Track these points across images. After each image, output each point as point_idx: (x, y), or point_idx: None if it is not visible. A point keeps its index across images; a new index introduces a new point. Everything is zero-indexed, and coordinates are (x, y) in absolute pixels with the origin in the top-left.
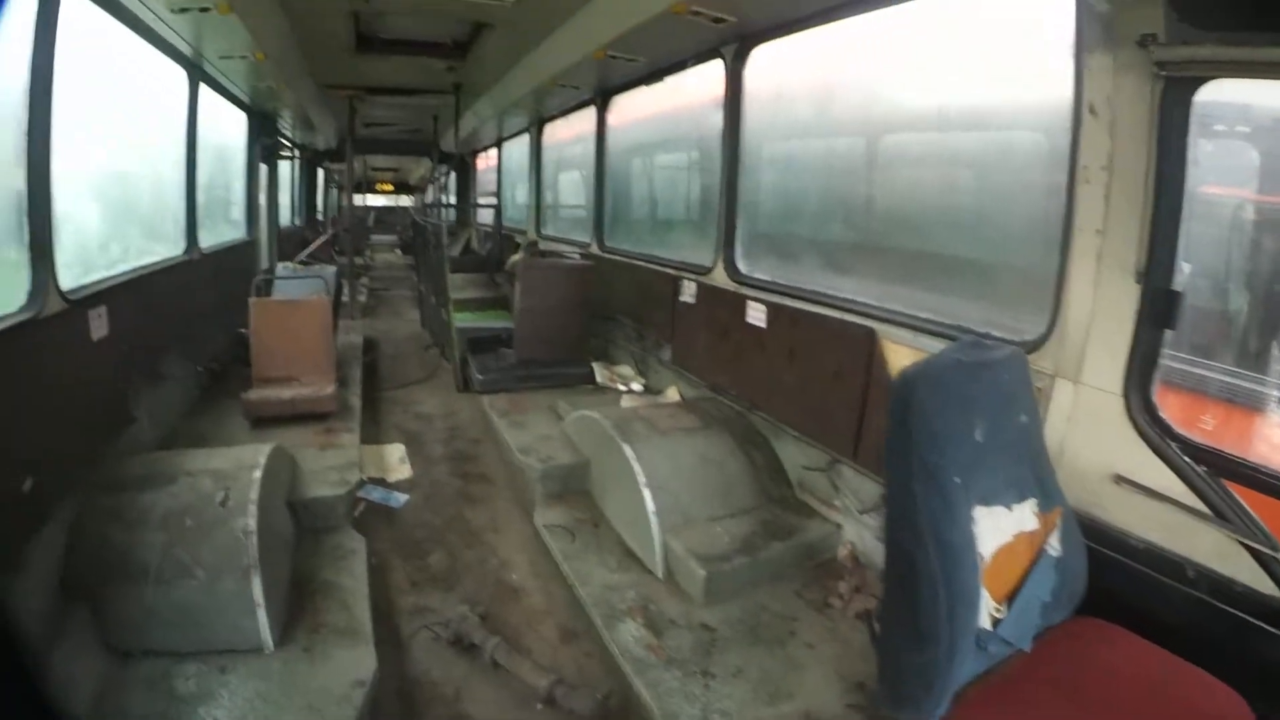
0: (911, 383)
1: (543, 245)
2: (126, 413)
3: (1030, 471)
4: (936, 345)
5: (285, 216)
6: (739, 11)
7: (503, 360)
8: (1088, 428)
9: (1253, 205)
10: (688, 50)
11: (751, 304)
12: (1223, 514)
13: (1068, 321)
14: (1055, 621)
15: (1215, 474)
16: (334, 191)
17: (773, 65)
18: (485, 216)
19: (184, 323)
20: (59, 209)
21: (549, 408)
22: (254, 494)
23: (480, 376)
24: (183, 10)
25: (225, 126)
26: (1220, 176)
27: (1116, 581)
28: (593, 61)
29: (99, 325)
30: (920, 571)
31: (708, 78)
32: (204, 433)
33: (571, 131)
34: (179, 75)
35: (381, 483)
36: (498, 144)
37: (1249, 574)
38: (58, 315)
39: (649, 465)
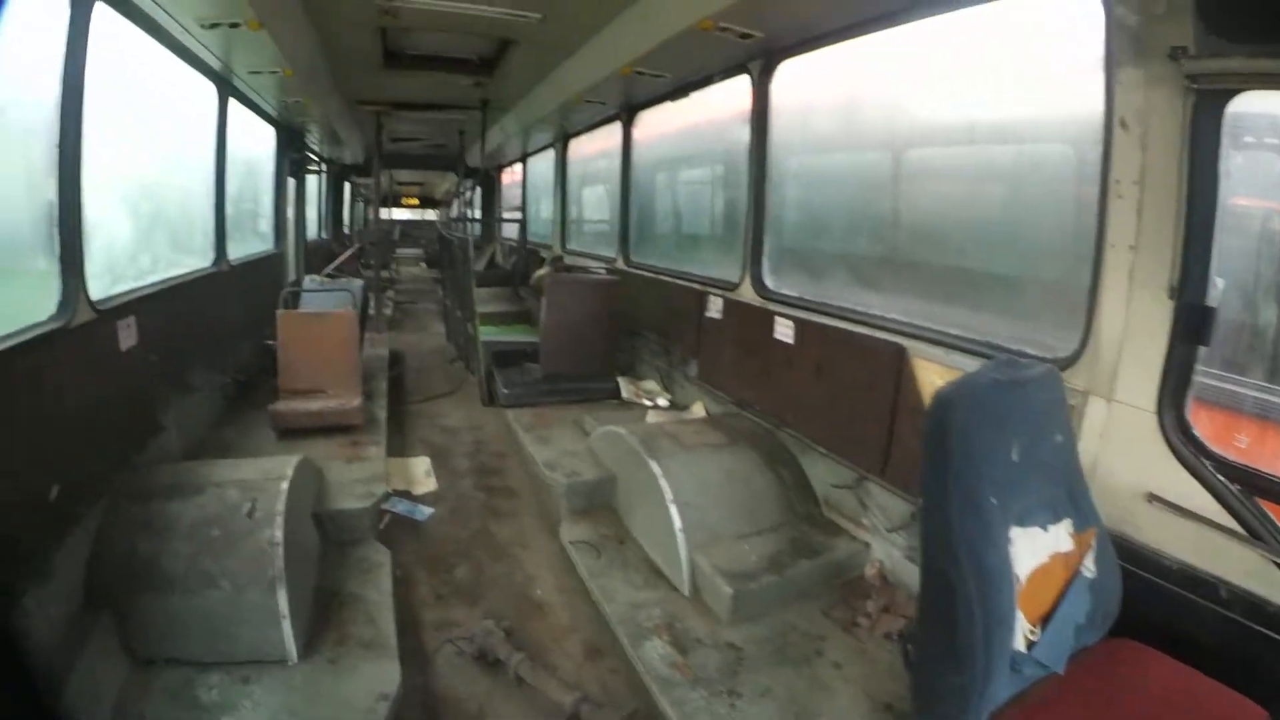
0: (948, 402)
1: (568, 260)
2: (154, 422)
3: (1065, 491)
4: (966, 362)
5: (312, 230)
6: (766, 27)
7: (528, 375)
8: (1121, 446)
9: None
10: (714, 66)
11: (779, 320)
12: (1257, 533)
13: (1101, 338)
14: (1089, 643)
15: (1249, 492)
16: (360, 205)
17: (799, 80)
18: (510, 231)
19: (212, 334)
20: (89, 220)
21: (574, 423)
22: (281, 505)
23: (506, 391)
24: (213, 26)
25: (254, 141)
26: (1250, 188)
27: (1149, 602)
28: (619, 78)
29: (128, 335)
30: (956, 593)
31: (732, 92)
32: (231, 443)
33: (596, 147)
34: (209, 89)
35: (407, 495)
36: (523, 159)
37: None
38: (87, 325)
39: (676, 481)
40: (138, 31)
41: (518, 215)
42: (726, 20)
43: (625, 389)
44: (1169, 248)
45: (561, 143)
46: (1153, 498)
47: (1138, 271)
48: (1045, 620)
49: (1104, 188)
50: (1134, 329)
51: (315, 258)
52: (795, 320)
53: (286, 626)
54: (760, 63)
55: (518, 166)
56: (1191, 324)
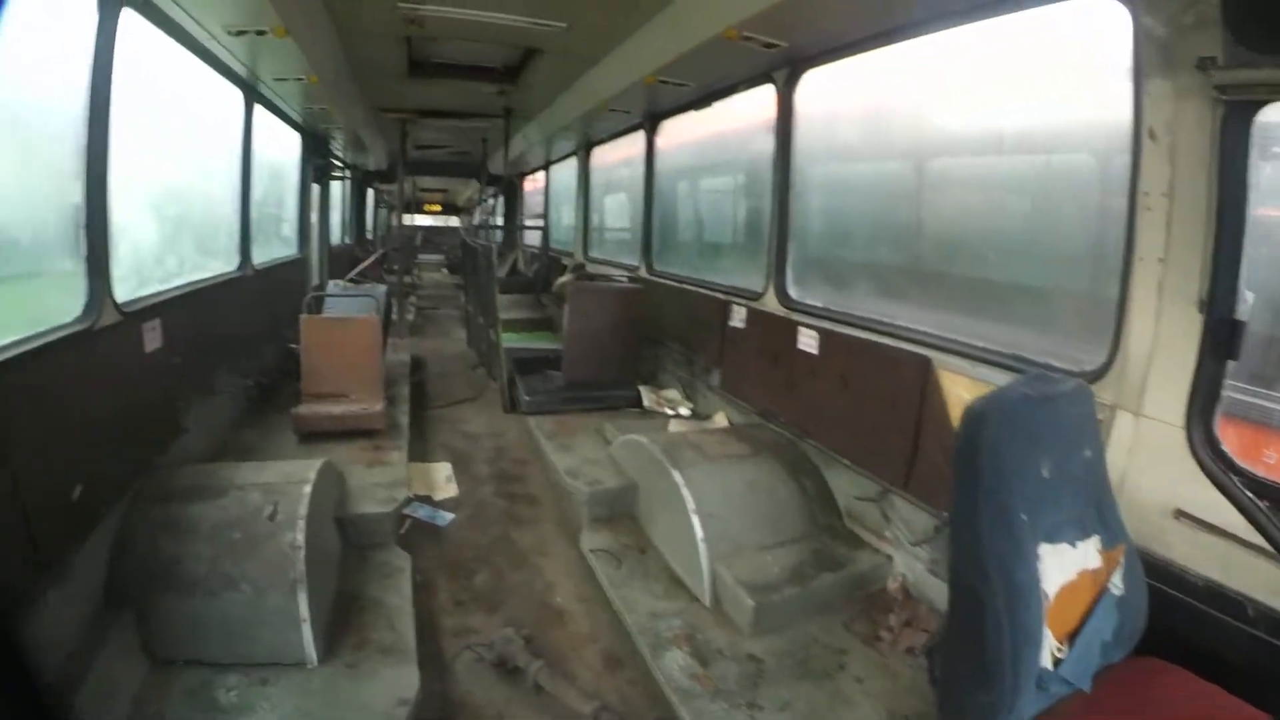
0: (980, 417)
1: (590, 268)
2: (177, 424)
3: (1094, 508)
4: (993, 375)
5: (336, 235)
6: (791, 37)
7: (550, 382)
8: (1148, 461)
9: None
10: (739, 75)
11: (803, 330)
12: None
13: (1129, 352)
14: (1114, 660)
15: (1278, 509)
16: (383, 211)
17: (824, 89)
18: (532, 238)
19: (235, 337)
20: (116, 223)
21: (595, 431)
22: (303, 509)
23: (527, 397)
24: (239, 33)
25: (279, 146)
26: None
27: (1175, 619)
28: (643, 86)
29: (152, 337)
30: (985, 610)
31: (756, 100)
32: (253, 446)
33: (619, 155)
34: (235, 95)
35: (428, 501)
36: (545, 166)
37: None
38: (112, 327)
39: (698, 491)
40: (165, 37)
41: (540, 222)
42: (751, 30)
43: (647, 398)
44: (1198, 260)
45: (584, 150)
46: (1180, 514)
47: (1166, 284)
48: (1072, 637)
49: (1132, 199)
50: (1163, 343)
51: (339, 263)
52: (819, 330)
53: (306, 630)
54: (785, 72)
55: (540, 174)
56: (1221, 338)
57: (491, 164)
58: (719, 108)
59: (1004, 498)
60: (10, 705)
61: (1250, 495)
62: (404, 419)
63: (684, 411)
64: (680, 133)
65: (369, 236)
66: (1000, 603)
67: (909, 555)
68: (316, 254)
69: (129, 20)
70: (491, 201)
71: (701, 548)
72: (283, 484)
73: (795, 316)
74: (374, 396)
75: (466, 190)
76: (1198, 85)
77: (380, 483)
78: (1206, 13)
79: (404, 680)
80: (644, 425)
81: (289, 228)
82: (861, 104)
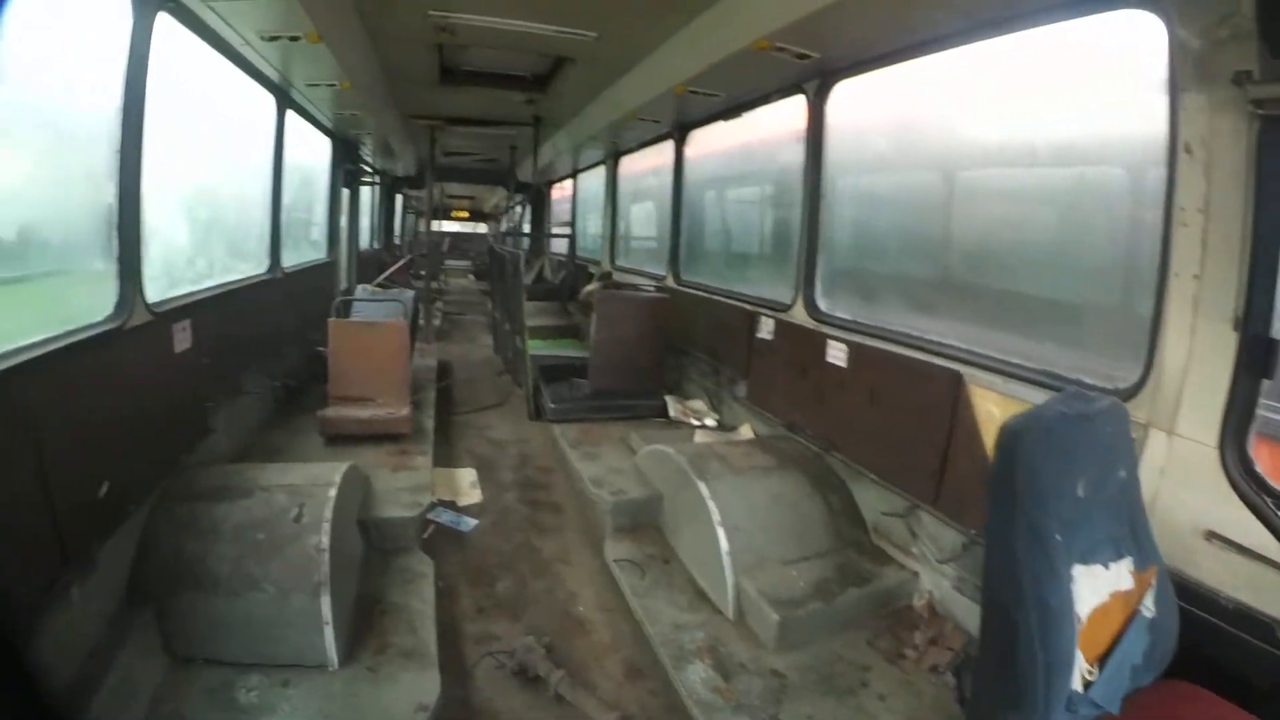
0: (1016, 435)
1: (617, 276)
2: (204, 424)
3: (1128, 528)
4: (1024, 391)
5: (364, 240)
6: (822, 48)
7: (575, 390)
8: (1181, 481)
9: None
10: (769, 85)
11: (832, 343)
12: None
13: (1163, 370)
14: (1143, 683)
15: None
16: (411, 217)
17: (855, 100)
18: (558, 246)
19: (264, 339)
20: (148, 224)
21: (620, 440)
22: (328, 512)
23: (553, 405)
24: (273, 39)
25: (310, 151)
26: None
27: (1204, 642)
28: (672, 96)
29: (182, 338)
30: (1018, 631)
31: (785, 111)
32: (279, 447)
33: (647, 164)
34: (268, 100)
35: (452, 506)
36: (573, 175)
37: None
38: (142, 326)
39: (723, 504)
40: (199, 42)
41: (567, 230)
42: (783, 40)
43: (673, 408)
44: (1233, 277)
45: (612, 159)
46: (1212, 535)
47: (1201, 301)
48: (1103, 660)
49: (1168, 215)
50: (1197, 361)
51: (367, 267)
52: (849, 344)
53: (328, 632)
54: (816, 83)
55: (568, 182)
56: (1256, 356)
57: (519, 171)
58: (748, 118)
59: (1039, 518)
60: (14, 703)
61: None
62: (429, 424)
63: (710, 422)
64: (709, 143)
65: (397, 242)
66: (1034, 624)
67: (935, 572)
68: (345, 258)
69: (164, 24)
70: (519, 209)
71: (726, 560)
72: (308, 486)
73: (824, 329)
74: (400, 401)
75: (494, 197)
76: (1233, 99)
77: (405, 487)
78: (1242, 26)
79: (425, 685)
80: (669, 435)
81: (318, 231)
82: (893, 115)
